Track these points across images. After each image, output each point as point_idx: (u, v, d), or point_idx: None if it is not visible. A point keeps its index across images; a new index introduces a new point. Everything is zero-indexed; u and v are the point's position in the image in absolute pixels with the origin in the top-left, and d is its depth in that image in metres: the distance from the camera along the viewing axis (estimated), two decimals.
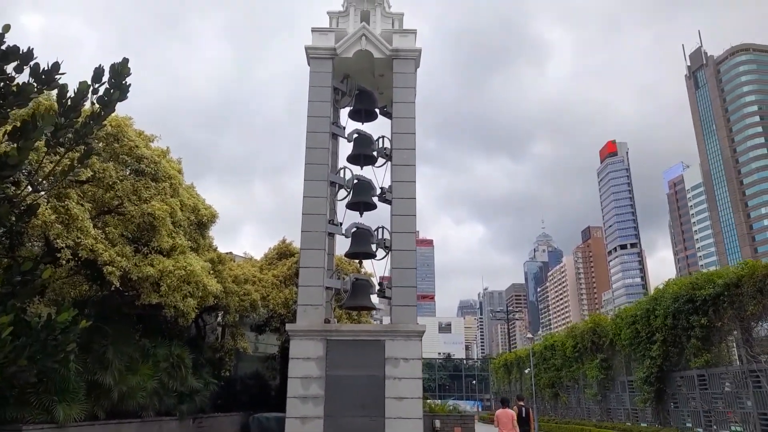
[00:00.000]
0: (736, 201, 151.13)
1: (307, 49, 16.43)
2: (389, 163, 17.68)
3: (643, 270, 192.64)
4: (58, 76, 5.99)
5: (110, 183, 12.96)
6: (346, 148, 17.50)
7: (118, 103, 6.13)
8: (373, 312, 23.14)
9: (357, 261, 19.85)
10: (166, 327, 17.14)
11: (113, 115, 9.47)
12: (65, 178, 7.12)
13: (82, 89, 6.21)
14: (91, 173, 12.36)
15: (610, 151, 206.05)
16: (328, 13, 17.59)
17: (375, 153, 17.13)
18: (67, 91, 6.12)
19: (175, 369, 15.50)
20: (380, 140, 17.49)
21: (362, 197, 16.35)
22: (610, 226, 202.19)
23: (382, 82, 17.69)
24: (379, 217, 16.80)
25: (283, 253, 23.41)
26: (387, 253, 16.61)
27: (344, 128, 17.13)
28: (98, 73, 6.29)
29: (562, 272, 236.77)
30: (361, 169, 17.14)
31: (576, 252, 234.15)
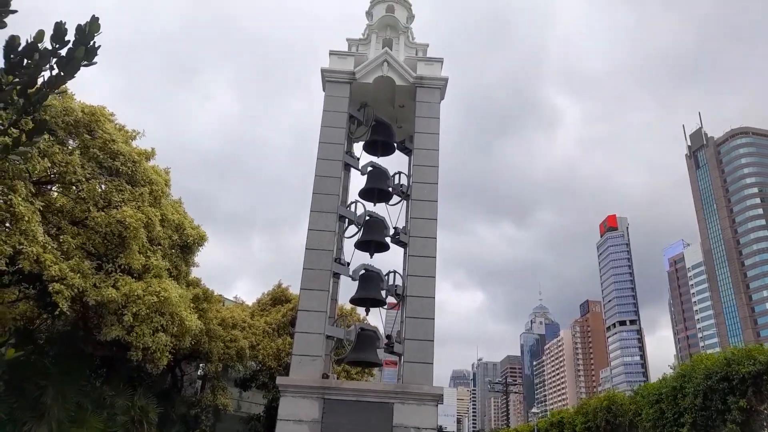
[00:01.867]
0: (737, 282, 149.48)
1: (323, 71, 15.01)
2: (405, 201, 15.95)
3: (642, 348, 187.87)
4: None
5: (73, 180, 10.65)
6: (357, 183, 15.79)
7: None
8: (375, 372, 20.68)
9: (361, 310, 17.73)
10: (137, 374, 14.73)
11: (87, 102, 7.71)
12: (6, 156, 5.32)
13: (38, 38, 4.64)
14: (49, 164, 10.21)
15: (610, 225, 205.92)
16: (347, 39, 16.33)
17: (390, 189, 15.39)
18: (18, 43, 4.57)
19: (135, 425, 12.74)
20: (397, 176, 15.81)
21: (374, 236, 14.47)
22: (609, 301, 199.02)
23: (402, 115, 16.20)
24: (388, 263, 14.84)
25: (278, 298, 21.13)
26: (399, 302, 14.55)
27: (358, 160, 15.46)
28: (59, 31, 4.73)
29: (560, 346, 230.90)
30: (374, 206, 15.36)
31: (574, 326, 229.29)
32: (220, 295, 19.17)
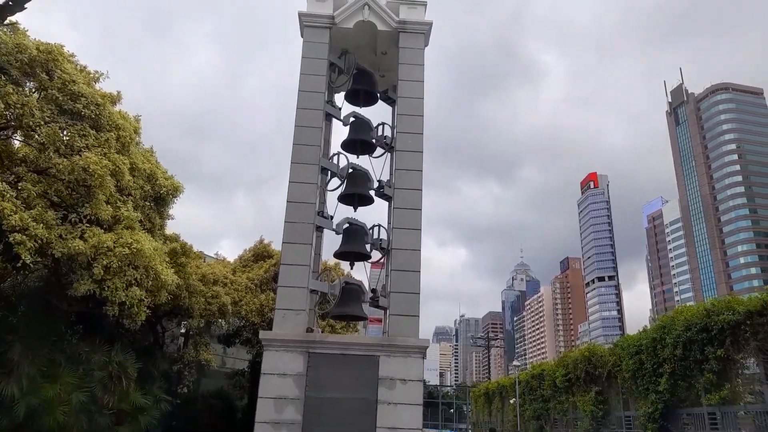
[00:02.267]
0: (713, 238, 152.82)
1: (300, 15, 14.25)
2: (389, 154, 15.49)
3: (619, 303, 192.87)
4: None
5: (31, 124, 9.91)
6: (340, 135, 15.27)
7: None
8: (359, 329, 20.63)
9: (345, 266, 17.43)
10: (117, 331, 14.36)
11: (43, 41, 7.01)
12: None
13: None
14: (3, 106, 9.38)
15: (591, 181, 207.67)
16: None
17: (374, 141, 14.90)
18: None
19: (114, 380, 12.45)
20: (380, 127, 15.31)
21: (358, 188, 14.06)
22: (589, 257, 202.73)
23: (385, 63, 15.56)
24: (372, 218, 14.48)
25: (260, 254, 20.74)
26: (383, 255, 14.29)
27: (340, 110, 14.88)
28: None
29: (540, 302, 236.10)
30: (357, 158, 14.89)
31: (554, 282, 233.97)
32: (201, 252, 18.72)
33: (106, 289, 10.24)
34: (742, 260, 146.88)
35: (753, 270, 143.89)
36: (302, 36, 14.43)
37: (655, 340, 21.87)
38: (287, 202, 12.69)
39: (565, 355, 34.30)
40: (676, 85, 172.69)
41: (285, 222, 12.52)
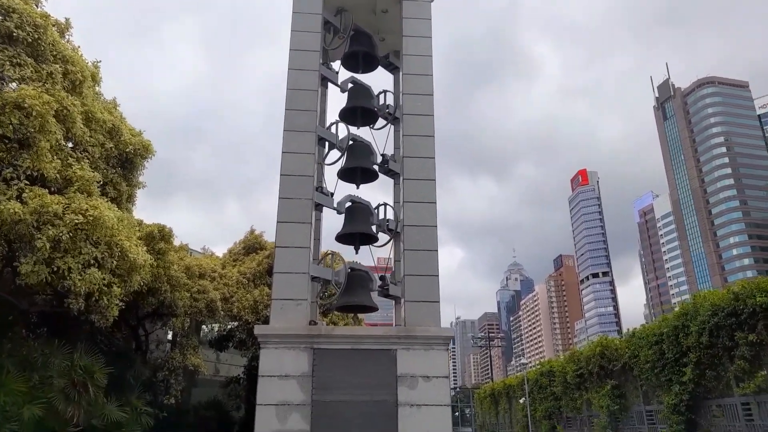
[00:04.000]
0: (705, 230, 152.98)
1: None
2: (392, 126, 13.78)
3: (615, 299, 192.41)
4: None
5: None
6: (336, 105, 13.54)
7: None
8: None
9: (347, 254, 15.57)
10: (90, 336, 12.41)
11: None
12: None
13: None
14: None
15: (581, 180, 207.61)
16: None
17: (376, 109, 13.19)
18: None
19: (78, 389, 10.24)
20: (382, 96, 13.60)
21: (361, 162, 12.32)
22: (582, 254, 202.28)
23: (386, 24, 13.85)
24: (373, 199, 12.71)
25: (251, 246, 18.78)
26: (391, 238, 12.55)
27: (337, 74, 13.16)
28: None
29: (535, 301, 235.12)
30: (357, 129, 13.15)
31: (548, 280, 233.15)
32: (186, 245, 16.79)
33: (59, 271, 8.06)
34: (735, 252, 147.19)
35: (746, 261, 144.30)
36: None
37: (677, 328, 20.45)
38: (281, 175, 10.91)
39: (575, 351, 32.84)
40: (662, 80, 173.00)
41: (279, 198, 10.73)
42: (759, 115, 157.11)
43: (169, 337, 18.21)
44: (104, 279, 9.03)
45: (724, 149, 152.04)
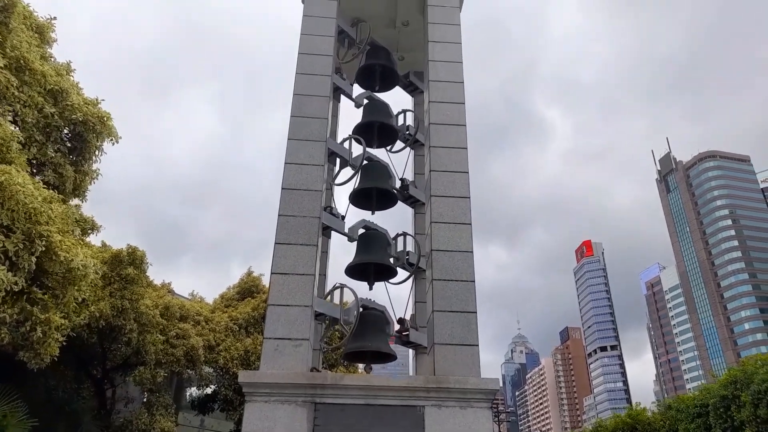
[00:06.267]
0: (715, 304, 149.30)
1: None
2: (412, 150, 12.13)
3: (624, 374, 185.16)
4: None
5: None
6: (349, 121, 11.90)
7: None
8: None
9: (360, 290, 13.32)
10: (46, 390, 10.06)
11: None
12: None
13: None
14: None
15: (586, 250, 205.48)
16: None
17: (395, 128, 11.57)
18: None
19: None
20: (401, 116, 12.02)
21: (378, 183, 10.50)
22: (589, 327, 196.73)
23: (406, 40, 12.50)
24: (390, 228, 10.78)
25: (247, 290, 16.45)
26: (411, 274, 10.56)
27: (352, 86, 11.60)
28: None
29: (541, 375, 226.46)
30: (373, 150, 11.44)
31: (555, 353, 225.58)
32: (168, 284, 14.54)
33: None
34: (747, 326, 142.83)
35: (759, 336, 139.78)
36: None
37: (726, 398, 17.89)
38: (282, 189, 9.06)
39: (600, 424, 29.74)
40: (664, 153, 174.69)
41: (279, 216, 8.83)
42: (762, 189, 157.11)
43: (145, 398, 15.69)
44: (16, 283, 6.56)
45: (729, 221, 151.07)
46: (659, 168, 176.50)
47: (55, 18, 9.21)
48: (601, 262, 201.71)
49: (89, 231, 9.46)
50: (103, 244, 10.46)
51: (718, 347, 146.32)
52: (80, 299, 7.54)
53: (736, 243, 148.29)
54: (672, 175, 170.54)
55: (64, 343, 7.57)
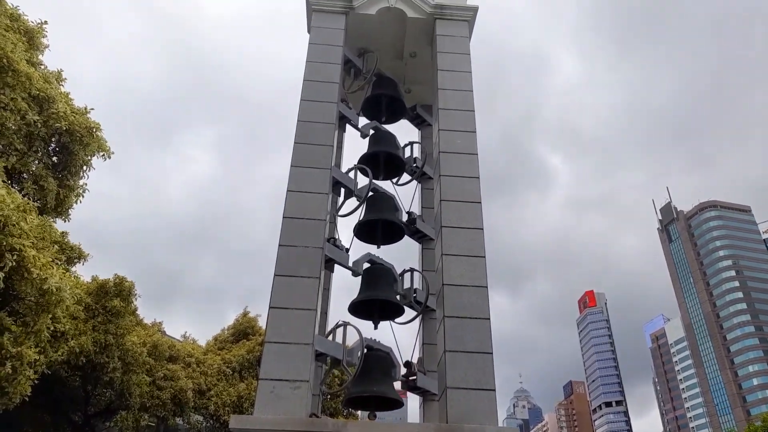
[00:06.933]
0: (721, 358, 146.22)
1: None
2: (420, 183, 11.65)
3: (631, 430, 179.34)
4: None
5: None
6: (355, 152, 11.46)
7: None
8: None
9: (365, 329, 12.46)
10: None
11: None
12: None
13: None
14: None
15: (589, 301, 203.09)
16: None
17: (402, 159, 11.11)
18: None
19: None
20: (408, 148, 11.58)
21: (384, 215, 9.95)
22: (594, 381, 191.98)
23: (412, 72, 12.24)
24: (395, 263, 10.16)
25: (242, 331, 15.57)
26: (418, 313, 9.85)
27: (358, 116, 11.22)
28: None
29: (545, 431, 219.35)
30: (379, 181, 10.94)
31: (558, 409, 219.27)
32: (160, 323, 13.68)
33: None
34: (755, 381, 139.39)
35: None
36: (308, 24, 11.15)
37: None
38: (284, 217, 8.48)
39: None
40: (665, 203, 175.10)
41: (279, 246, 8.21)
42: (765, 240, 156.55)
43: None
44: None
45: (733, 272, 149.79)
46: (660, 217, 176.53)
47: (46, 22, 8.87)
48: (605, 313, 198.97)
49: (75, 260, 8.82)
50: (94, 279, 9.71)
51: (727, 403, 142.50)
52: (59, 331, 6.77)
53: (740, 295, 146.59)
54: (673, 225, 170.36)
55: (37, 382, 6.76)
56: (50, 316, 6.23)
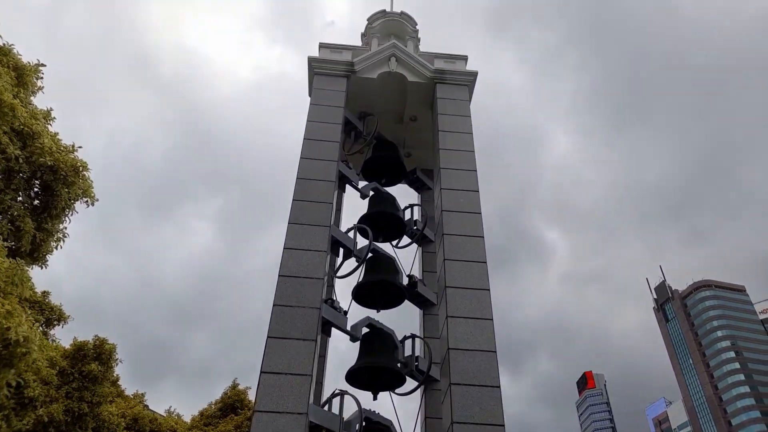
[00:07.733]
0: None
1: (311, 61, 11.13)
2: (420, 246, 11.29)
3: None
4: None
5: None
6: (354, 213, 11.17)
7: None
8: None
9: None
10: None
11: None
12: None
13: None
14: None
15: (587, 382, 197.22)
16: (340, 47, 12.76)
17: (403, 220, 10.82)
18: None
19: None
20: (408, 210, 11.32)
21: (384, 276, 9.49)
22: None
23: (412, 135, 12.22)
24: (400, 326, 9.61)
25: (230, 405, 14.46)
26: (420, 383, 9.18)
27: (359, 176, 11.00)
28: None
29: None
30: (378, 244, 10.58)
31: None
32: (142, 394, 12.66)
33: None
34: None
35: None
36: (309, 87, 11.19)
37: None
38: (279, 276, 8.02)
39: None
40: (658, 283, 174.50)
41: (274, 306, 7.69)
42: (762, 320, 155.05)
43: None
44: None
45: (732, 353, 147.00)
46: (655, 296, 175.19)
47: (44, 65, 8.71)
48: (604, 395, 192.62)
49: (55, 322, 8.22)
50: (74, 342, 8.97)
51: None
52: (27, 397, 6.04)
53: (742, 377, 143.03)
54: (669, 304, 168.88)
55: None
56: (14, 372, 5.54)
